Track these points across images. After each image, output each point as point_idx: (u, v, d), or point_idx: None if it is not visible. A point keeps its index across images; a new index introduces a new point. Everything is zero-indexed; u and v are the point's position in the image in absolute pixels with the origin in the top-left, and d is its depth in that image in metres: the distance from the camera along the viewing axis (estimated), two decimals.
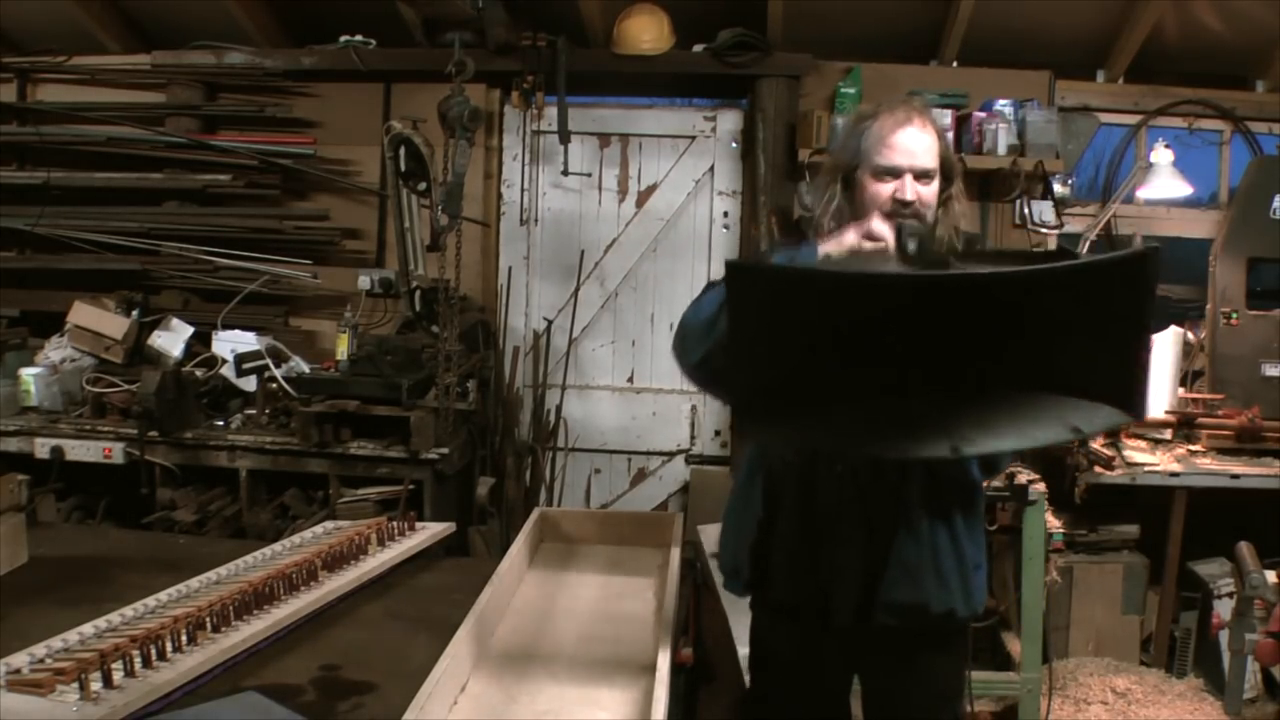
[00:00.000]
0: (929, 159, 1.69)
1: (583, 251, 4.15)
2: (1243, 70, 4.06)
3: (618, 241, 4.19)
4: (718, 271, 4.09)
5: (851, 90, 3.75)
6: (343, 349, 3.47)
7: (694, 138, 4.14)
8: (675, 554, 2.21)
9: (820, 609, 1.72)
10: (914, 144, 1.68)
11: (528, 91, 3.93)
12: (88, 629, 1.63)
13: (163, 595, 1.81)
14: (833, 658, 1.84)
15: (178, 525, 3.10)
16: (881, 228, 1.53)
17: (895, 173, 1.67)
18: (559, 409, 4.14)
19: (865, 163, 1.70)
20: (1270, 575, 2.36)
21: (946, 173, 1.73)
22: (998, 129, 3.67)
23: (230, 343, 3.65)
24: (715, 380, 1.64)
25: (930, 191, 1.70)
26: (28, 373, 3.47)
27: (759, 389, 1.34)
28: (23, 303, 3.97)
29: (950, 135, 3.66)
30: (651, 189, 4.17)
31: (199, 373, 3.55)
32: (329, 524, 2.41)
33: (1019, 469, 3.02)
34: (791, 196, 3.86)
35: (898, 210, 1.67)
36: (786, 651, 1.86)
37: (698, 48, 3.91)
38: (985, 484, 1.82)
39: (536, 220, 4.22)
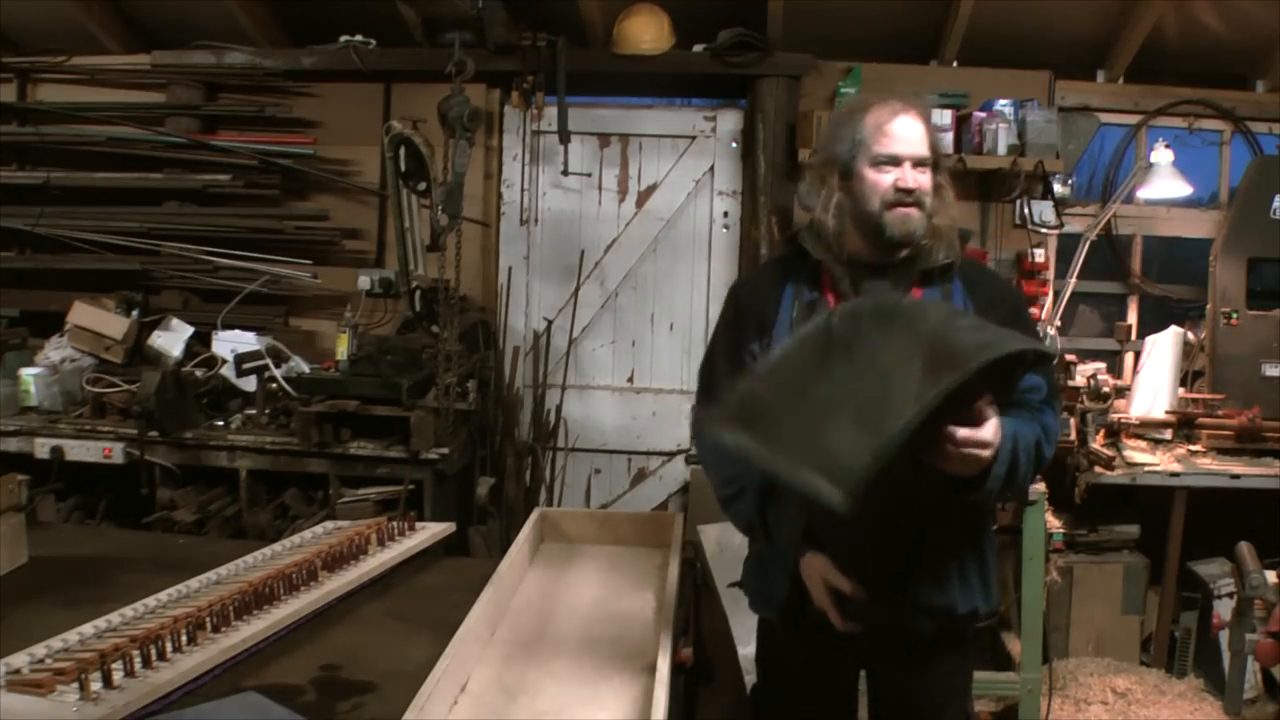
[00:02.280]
0: (925, 147, 1.71)
1: (583, 251, 4.15)
2: (1243, 70, 4.06)
3: (618, 241, 4.19)
4: (717, 271, 4.11)
5: (851, 90, 3.75)
6: (343, 349, 3.47)
7: (694, 138, 4.14)
8: (675, 554, 2.21)
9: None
10: (911, 132, 1.70)
11: (528, 91, 3.93)
12: (88, 629, 1.63)
13: (163, 595, 1.81)
14: (843, 659, 1.84)
15: (178, 525, 3.10)
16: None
17: (895, 161, 1.69)
18: (559, 409, 4.14)
19: (863, 153, 1.70)
20: (1270, 575, 2.36)
21: (936, 161, 1.75)
22: (998, 129, 3.67)
23: (230, 343, 3.65)
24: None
25: (928, 180, 1.71)
26: (28, 373, 3.46)
27: None
28: (23, 303, 3.97)
29: (950, 135, 3.66)
30: (651, 189, 4.17)
31: (199, 373, 3.55)
32: (329, 524, 2.40)
33: None
34: (791, 196, 3.87)
35: (900, 199, 1.68)
36: (797, 653, 1.85)
37: (698, 48, 3.91)
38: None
39: (536, 220, 4.22)
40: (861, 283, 1.72)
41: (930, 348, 1.38)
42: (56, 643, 1.57)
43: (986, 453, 1.48)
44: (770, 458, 1.36)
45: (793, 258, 1.81)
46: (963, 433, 1.45)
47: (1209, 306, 3.80)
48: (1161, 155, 3.85)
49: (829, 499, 1.29)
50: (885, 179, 1.68)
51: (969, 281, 1.76)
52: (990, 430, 1.48)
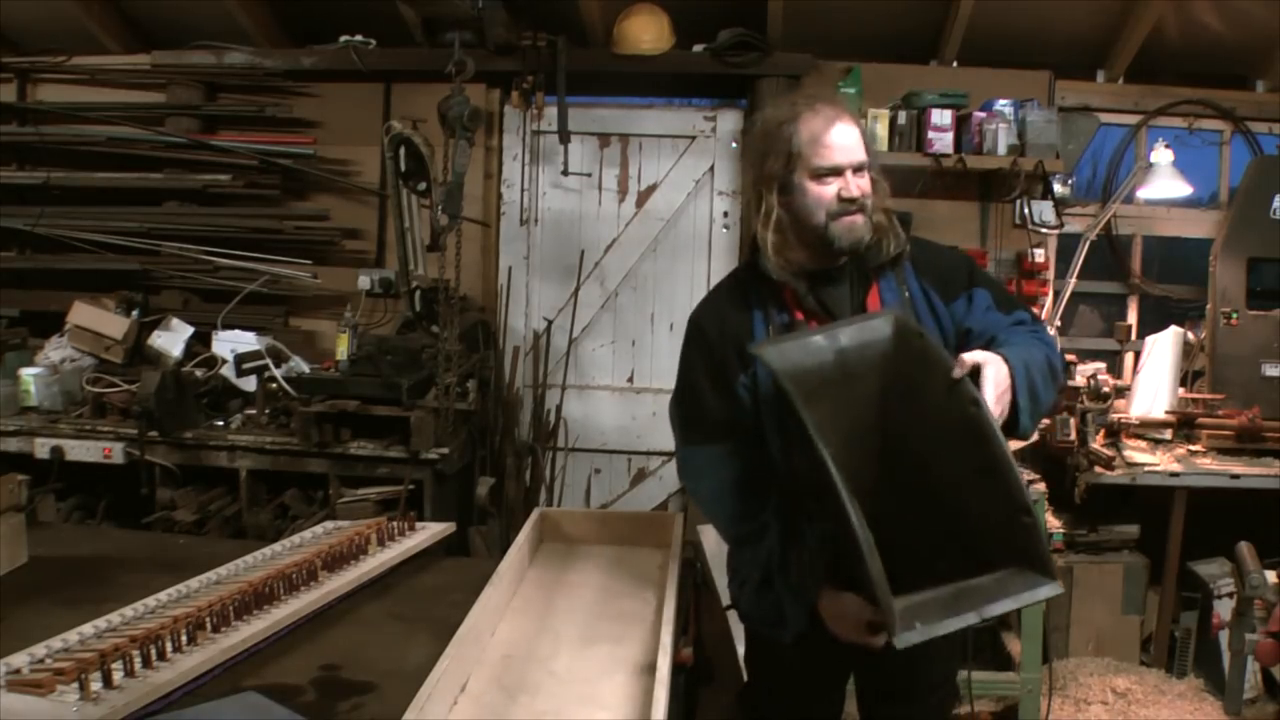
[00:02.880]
0: (861, 151, 1.69)
1: (583, 251, 4.15)
2: (1243, 70, 4.06)
3: (618, 241, 4.19)
4: (717, 271, 4.11)
5: (852, 90, 3.75)
6: (343, 349, 3.47)
7: (694, 138, 4.14)
8: (675, 554, 2.21)
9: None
10: (847, 139, 1.67)
11: (527, 91, 3.93)
12: (88, 629, 1.63)
13: (163, 595, 1.81)
14: (834, 655, 1.84)
15: (178, 525, 3.10)
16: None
17: (837, 171, 1.66)
18: (559, 409, 4.14)
19: (802, 166, 1.67)
20: (1270, 575, 2.36)
21: (870, 159, 1.74)
22: (998, 129, 3.67)
23: (230, 343, 3.65)
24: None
25: (867, 182, 1.70)
26: (28, 373, 3.46)
27: None
28: (23, 303, 3.97)
29: (950, 135, 3.66)
30: (651, 189, 4.17)
31: (199, 373, 3.55)
32: (329, 524, 2.40)
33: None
34: None
35: (845, 209, 1.66)
36: (791, 657, 1.84)
37: (698, 48, 3.91)
38: None
39: (536, 220, 4.22)
40: (821, 292, 1.71)
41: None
42: (56, 643, 1.57)
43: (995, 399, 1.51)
44: (979, 609, 1.37)
45: (749, 279, 1.78)
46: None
47: (1209, 306, 3.80)
48: (1161, 155, 3.85)
49: (1049, 595, 1.35)
50: (828, 190, 1.66)
51: (918, 262, 1.76)
52: (989, 381, 1.50)
